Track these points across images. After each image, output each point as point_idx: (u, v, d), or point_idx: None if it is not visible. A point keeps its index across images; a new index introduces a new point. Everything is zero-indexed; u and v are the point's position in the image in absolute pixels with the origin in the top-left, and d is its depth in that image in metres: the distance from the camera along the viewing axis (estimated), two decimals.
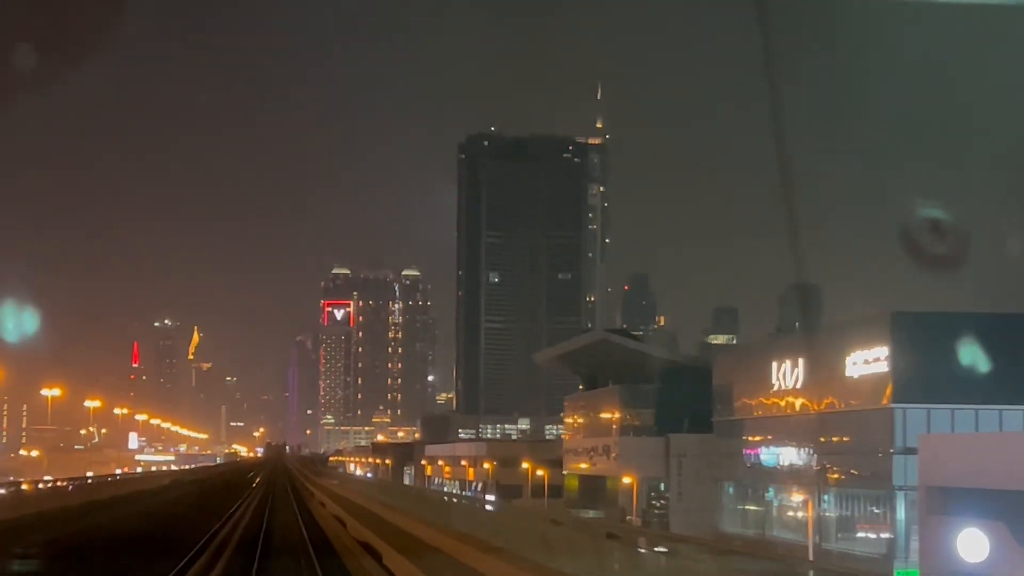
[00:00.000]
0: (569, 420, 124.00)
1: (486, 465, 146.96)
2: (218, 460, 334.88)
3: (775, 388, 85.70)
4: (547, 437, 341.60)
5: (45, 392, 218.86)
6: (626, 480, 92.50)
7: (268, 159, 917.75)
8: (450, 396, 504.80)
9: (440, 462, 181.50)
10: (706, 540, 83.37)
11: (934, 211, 56.49)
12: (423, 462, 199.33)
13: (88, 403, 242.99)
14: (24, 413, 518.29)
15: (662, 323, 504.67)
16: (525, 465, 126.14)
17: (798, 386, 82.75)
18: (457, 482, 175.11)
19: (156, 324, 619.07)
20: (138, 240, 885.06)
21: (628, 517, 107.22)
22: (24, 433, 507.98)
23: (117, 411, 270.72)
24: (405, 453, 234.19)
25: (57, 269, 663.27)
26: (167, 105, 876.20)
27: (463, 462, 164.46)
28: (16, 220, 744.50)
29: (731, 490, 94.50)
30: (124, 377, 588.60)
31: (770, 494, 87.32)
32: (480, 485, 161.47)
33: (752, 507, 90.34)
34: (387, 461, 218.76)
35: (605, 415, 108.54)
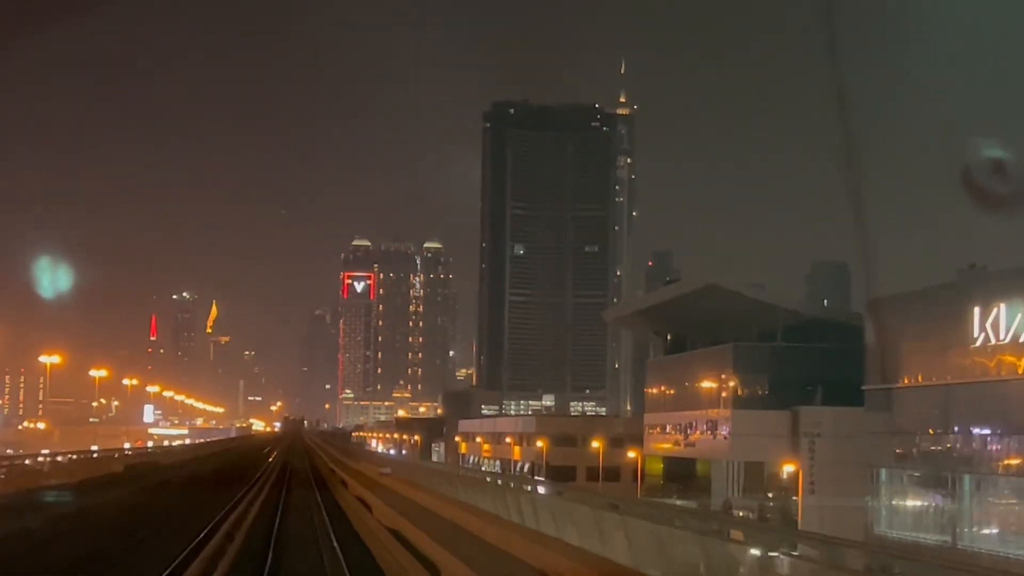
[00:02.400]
0: (653, 390, 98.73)
1: (539, 443, 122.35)
2: (233, 434, 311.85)
3: (979, 343, 60.64)
4: (572, 414, 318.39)
5: (44, 359, 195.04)
6: (789, 468, 67.53)
7: (288, 130, 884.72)
8: (469, 372, 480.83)
9: (478, 439, 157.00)
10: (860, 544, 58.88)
11: (996, 151, 52.53)
12: (456, 438, 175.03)
13: (93, 372, 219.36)
14: (41, 386, 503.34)
15: None
16: (596, 444, 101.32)
17: (1022, 340, 57.75)
18: (498, 462, 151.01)
19: (174, 297, 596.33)
20: (156, 213, 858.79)
21: (737, 511, 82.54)
22: (41, 405, 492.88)
23: (126, 382, 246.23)
24: (434, 428, 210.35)
25: (75, 242, 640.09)
26: (185, 79, 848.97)
27: (508, 439, 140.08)
28: (35, 194, 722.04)
29: (893, 480, 69.60)
30: (142, 350, 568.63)
31: (967, 486, 62.32)
32: (527, 466, 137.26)
33: (934, 503, 65.39)
34: (416, 437, 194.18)
35: (710, 383, 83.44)
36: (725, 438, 80.00)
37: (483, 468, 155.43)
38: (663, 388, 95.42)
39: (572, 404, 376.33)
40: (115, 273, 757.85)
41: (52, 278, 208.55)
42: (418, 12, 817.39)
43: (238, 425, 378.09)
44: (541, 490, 39.90)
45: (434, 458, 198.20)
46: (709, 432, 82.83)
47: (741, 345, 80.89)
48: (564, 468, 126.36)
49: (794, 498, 79.88)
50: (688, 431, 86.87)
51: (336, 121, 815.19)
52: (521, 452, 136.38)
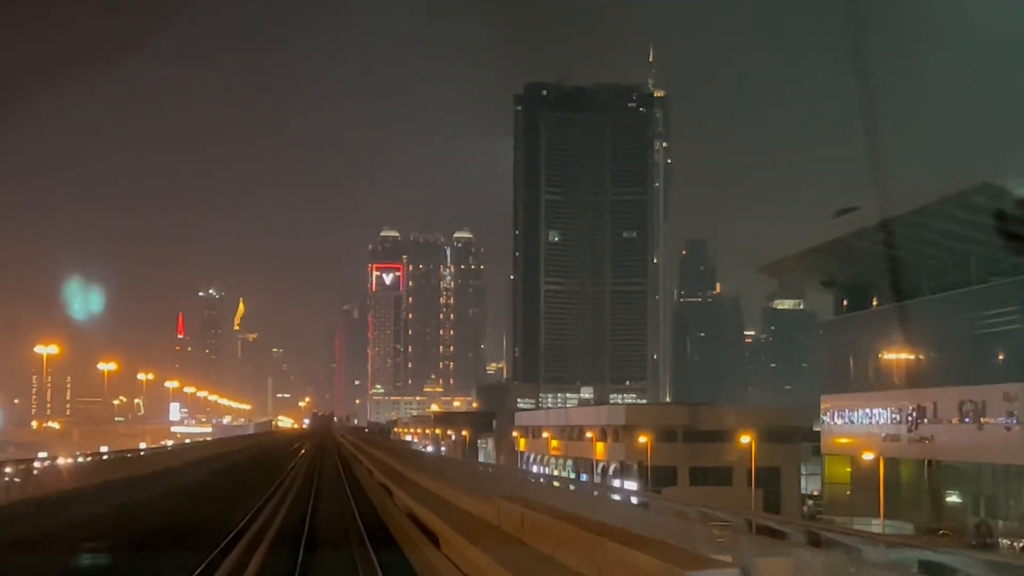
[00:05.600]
0: (836, 362, 66.24)
1: (641, 439, 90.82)
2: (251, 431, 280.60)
3: None
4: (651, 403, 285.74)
5: (40, 349, 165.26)
6: None
7: (313, 121, 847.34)
8: (500, 365, 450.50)
9: (545, 434, 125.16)
10: None
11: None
12: (514, 433, 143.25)
13: (102, 366, 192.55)
14: (68, 385, 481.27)
15: (719, 290, 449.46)
16: (746, 439, 69.46)
17: None
18: (570, 461, 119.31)
19: (201, 294, 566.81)
20: (181, 210, 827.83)
21: (1006, 541, 50.40)
22: (68, 405, 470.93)
23: (141, 376, 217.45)
24: (480, 423, 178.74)
25: (102, 241, 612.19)
26: (211, 73, 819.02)
27: (588, 434, 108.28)
28: (61, 191, 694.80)
29: None
30: (169, 348, 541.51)
31: None
32: (614, 467, 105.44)
33: None
34: (463, 432, 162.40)
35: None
36: (1008, 428, 47.85)
37: (551, 470, 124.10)
38: (859, 359, 63.08)
39: (611, 396, 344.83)
40: (142, 271, 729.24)
41: (84, 300, 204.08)
42: None
43: (258, 420, 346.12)
44: None
45: (481, 457, 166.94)
46: (968, 419, 50.76)
47: None
48: (662, 469, 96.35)
49: None
50: (919, 419, 54.79)
51: (363, 109, 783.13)
52: (607, 450, 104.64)
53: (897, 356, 58.82)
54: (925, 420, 54.44)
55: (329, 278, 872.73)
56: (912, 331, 57.98)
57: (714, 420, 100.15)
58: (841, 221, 66.79)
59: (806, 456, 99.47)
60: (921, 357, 56.99)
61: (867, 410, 60.65)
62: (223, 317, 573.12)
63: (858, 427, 62.00)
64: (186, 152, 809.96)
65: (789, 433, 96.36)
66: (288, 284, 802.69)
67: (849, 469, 64.18)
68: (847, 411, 63.36)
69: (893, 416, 57.42)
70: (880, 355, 60.71)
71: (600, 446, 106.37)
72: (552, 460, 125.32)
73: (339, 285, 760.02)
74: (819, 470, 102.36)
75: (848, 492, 64.74)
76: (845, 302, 68.69)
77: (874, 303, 66.17)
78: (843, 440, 64.20)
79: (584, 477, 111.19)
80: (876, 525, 60.66)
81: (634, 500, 42.23)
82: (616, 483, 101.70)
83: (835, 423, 65.13)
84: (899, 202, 58.19)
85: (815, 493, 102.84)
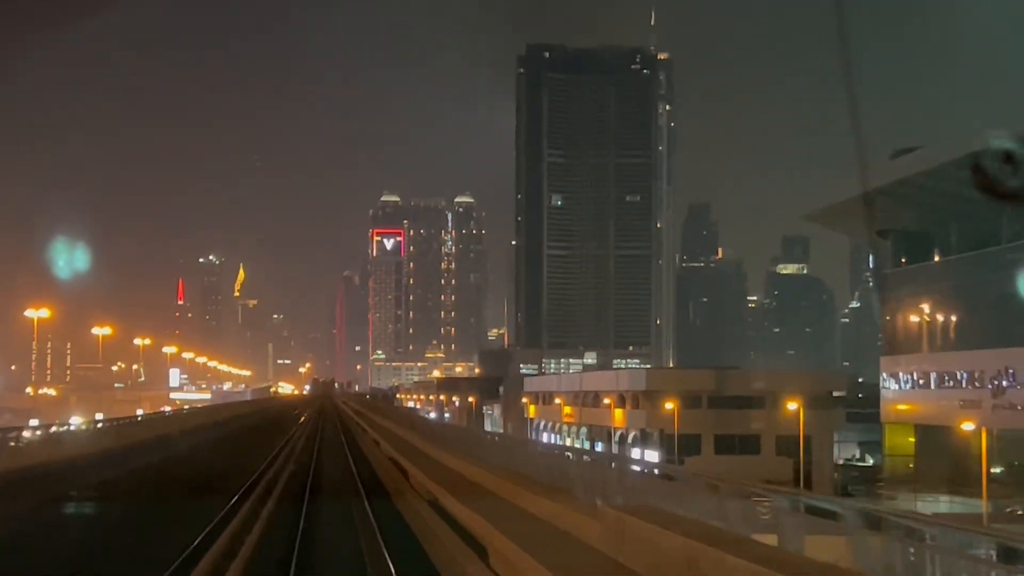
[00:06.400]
0: (901, 319, 58.69)
1: (668, 405, 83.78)
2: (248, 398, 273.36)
3: None
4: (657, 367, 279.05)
5: (30, 313, 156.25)
6: None
7: (313, 84, 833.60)
8: (501, 331, 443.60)
9: (557, 400, 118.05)
10: None
11: (1005, 142, 27.98)
12: (524, 400, 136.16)
13: (96, 330, 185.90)
14: (68, 351, 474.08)
15: (721, 255, 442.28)
16: (793, 405, 62.00)
17: None
18: (584, 429, 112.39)
19: (201, 261, 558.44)
20: (181, 177, 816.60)
21: None
22: (68, 371, 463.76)
23: (137, 341, 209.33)
24: (486, 389, 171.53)
25: (102, 206, 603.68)
26: (211, 41, 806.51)
27: (606, 400, 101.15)
28: (62, 157, 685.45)
29: None
30: (170, 315, 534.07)
31: None
32: (634, 435, 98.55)
33: None
34: (470, 399, 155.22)
35: None
36: None
37: (559, 439, 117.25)
38: (928, 315, 55.46)
39: (615, 361, 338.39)
40: (142, 238, 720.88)
41: (68, 258, 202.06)
42: None
43: (257, 388, 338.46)
44: None
45: (487, 424, 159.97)
46: None
47: None
48: (685, 437, 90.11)
49: None
50: (1006, 384, 47.42)
51: (363, 73, 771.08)
52: (626, 417, 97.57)
53: (975, 312, 51.36)
54: (1015, 384, 47.14)
55: (330, 244, 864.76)
56: (993, 283, 50.49)
57: (741, 385, 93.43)
58: (901, 162, 59.01)
59: (838, 423, 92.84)
60: (1005, 312, 49.49)
61: (939, 373, 53.26)
62: (223, 283, 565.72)
63: (928, 392, 54.65)
64: (186, 118, 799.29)
65: (822, 399, 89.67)
66: (288, 250, 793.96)
67: (912, 439, 56.89)
68: (914, 374, 55.95)
69: (976, 380, 50.07)
70: (955, 311, 53.15)
71: (618, 413, 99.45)
72: (565, 428, 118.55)
73: (340, 251, 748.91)
74: (851, 437, 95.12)
75: (911, 465, 57.43)
76: (904, 258, 60.98)
77: (935, 255, 58.68)
78: (906, 407, 56.90)
79: (599, 446, 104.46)
80: (944, 503, 53.62)
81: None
82: (636, 452, 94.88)
83: (899, 388, 57.68)
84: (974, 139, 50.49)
85: (841, 462, 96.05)
